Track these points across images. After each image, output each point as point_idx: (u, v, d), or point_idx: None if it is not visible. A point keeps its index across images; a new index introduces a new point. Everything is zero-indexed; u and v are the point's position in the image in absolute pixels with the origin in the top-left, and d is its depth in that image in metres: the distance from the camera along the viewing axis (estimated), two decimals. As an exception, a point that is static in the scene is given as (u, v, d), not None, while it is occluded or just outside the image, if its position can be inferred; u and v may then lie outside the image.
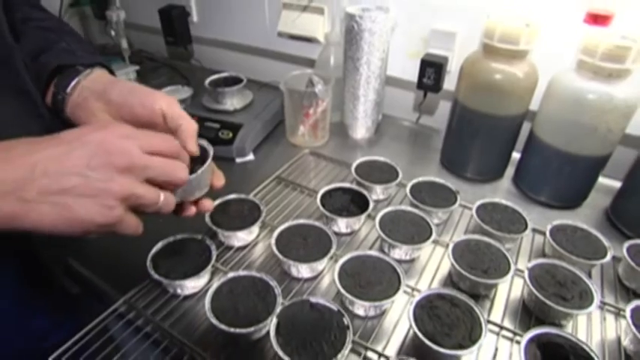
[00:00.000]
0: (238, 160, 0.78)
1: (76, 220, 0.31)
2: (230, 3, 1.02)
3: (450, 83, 0.78)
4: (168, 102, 0.41)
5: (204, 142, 0.43)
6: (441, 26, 0.76)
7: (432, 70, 0.75)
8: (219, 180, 0.44)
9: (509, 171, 0.74)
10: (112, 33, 1.05)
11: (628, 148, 0.70)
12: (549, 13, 0.68)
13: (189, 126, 0.40)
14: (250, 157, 0.79)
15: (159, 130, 0.40)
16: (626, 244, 0.55)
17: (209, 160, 0.41)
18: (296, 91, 0.76)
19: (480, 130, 0.69)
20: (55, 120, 0.44)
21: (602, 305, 0.51)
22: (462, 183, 0.73)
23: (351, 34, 0.74)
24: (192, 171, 0.39)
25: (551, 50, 0.66)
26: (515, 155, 0.72)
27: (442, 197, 0.63)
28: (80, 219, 0.31)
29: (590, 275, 0.55)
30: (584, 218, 0.65)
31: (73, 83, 0.44)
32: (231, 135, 0.77)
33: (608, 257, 0.53)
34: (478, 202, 0.61)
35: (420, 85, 0.77)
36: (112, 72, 0.48)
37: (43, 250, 0.44)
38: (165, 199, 0.35)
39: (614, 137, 0.61)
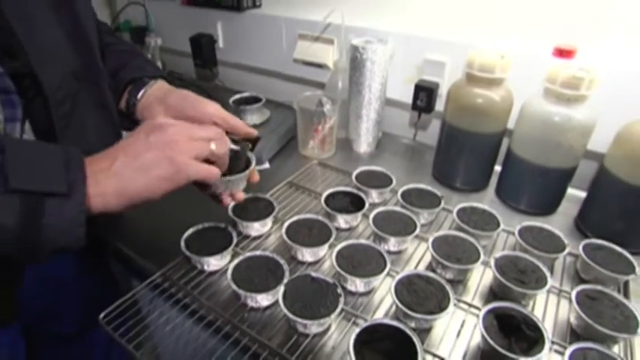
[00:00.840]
0: (256, 167, 0.89)
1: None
2: (252, 32, 1.16)
3: (440, 105, 0.89)
4: (215, 107, 0.55)
5: (250, 154, 0.58)
6: (432, 57, 0.88)
7: (424, 93, 0.86)
8: (255, 177, 0.58)
9: (494, 181, 0.84)
10: (149, 56, 1.19)
11: (593, 162, 0.79)
12: (525, 47, 0.80)
13: (239, 122, 0.55)
14: (266, 165, 0.91)
15: None
16: (583, 243, 0.64)
17: (253, 164, 0.56)
18: (307, 110, 0.88)
19: (465, 146, 0.79)
20: (124, 122, 0.58)
21: (558, 291, 0.60)
22: (451, 192, 0.83)
23: (356, 62, 0.86)
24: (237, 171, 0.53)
25: (526, 78, 0.76)
26: (497, 168, 0.82)
27: (428, 201, 0.73)
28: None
29: (552, 269, 0.64)
30: (556, 224, 0.74)
31: (142, 92, 0.58)
32: (250, 146, 0.89)
33: (565, 252, 0.63)
34: (459, 206, 0.71)
35: (415, 106, 0.89)
36: (170, 83, 0.62)
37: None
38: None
39: (577, 152, 0.71)
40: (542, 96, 0.71)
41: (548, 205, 0.78)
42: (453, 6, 0.86)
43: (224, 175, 0.51)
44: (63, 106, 0.48)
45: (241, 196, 0.56)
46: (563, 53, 0.73)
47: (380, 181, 0.78)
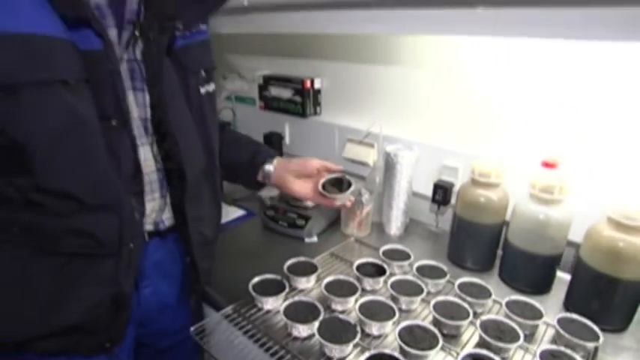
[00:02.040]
0: (307, 240, 1.15)
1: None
2: (312, 134, 1.48)
3: (455, 199, 1.11)
4: (315, 160, 0.92)
5: (349, 178, 0.93)
6: (448, 163, 1.12)
7: (441, 190, 1.10)
8: (352, 198, 0.96)
9: (498, 263, 1.02)
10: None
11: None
12: (520, 158, 1.02)
13: (332, 164, 0.91)
14: (315, 239, 1.16)
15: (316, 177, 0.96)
16: (558, 316, 0.81)
17: (353, 185, 0.91)
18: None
19: (471, 234, 1.00)
20: (256, 186, 1.02)
21: (527, 349, 0.77)
22: (462, 271, 1.02)
23: (389, 164, 1.13)
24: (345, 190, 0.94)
25: (519, 182, 0.97)
26: (500, 252, 1.01)
27: (437, 275, 0.93)
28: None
29: (533, 335, 0.81)
30: (548, 302, 0.89)
31: (272, 168, 0.94)
32: (303, 222, 1.15)
33: (541, 320, 0.80)
34: (459, 280, 0.91)
35: (434, 200, 1.12)
36: (281, 155, 1.00)
37: (200, 261, 0.83)
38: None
39: (559, 243, 0.89)
40: (528, 197, 0.92)
41: (540, 286, 0.94)
42: (465, 125, 1.12)
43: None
44: (193, 190, 0.76)
45: (349, 204, 0.98)
46: (548, 164, 0.94)
47: (401, 256, 1.00)
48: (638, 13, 0.59)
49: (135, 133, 0.69)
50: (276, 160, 0.97)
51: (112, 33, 0.65)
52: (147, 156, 0.72)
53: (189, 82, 0.76)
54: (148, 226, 0.75)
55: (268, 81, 1.54)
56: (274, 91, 1.53)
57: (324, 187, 0.93)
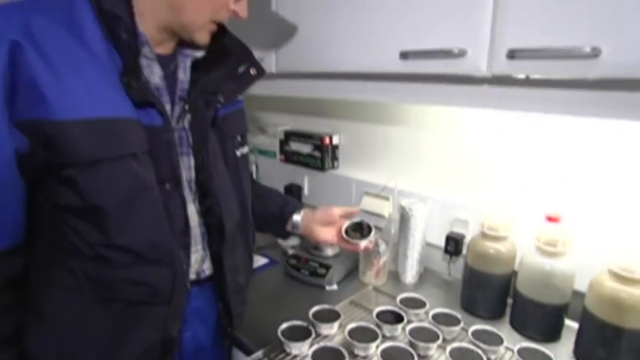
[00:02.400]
0: (327, 288, 1.22)
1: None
2: (330, 186, 1.58)
3: (465, 250, 1.19)
4: (337, 208, 1.01)
5: (369, 223, 1.02)
6: (459, 216, 1.21)
7: (453, 242, 1.18)
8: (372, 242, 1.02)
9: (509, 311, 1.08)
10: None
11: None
12: (526, 213, 1.10)
13: (352, 209, 1.01)
14: (335, 287, 1.23)
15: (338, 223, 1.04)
16: (565, 363, 0.87)
17: (373, 230, 1.00)
18: (366, 252, 1.22)
19: (482, 283, 1.07)
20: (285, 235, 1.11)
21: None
22: (475, 319, 1.08)
23: (404, 216, 1.22)
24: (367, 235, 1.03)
25: (526, 234, 1.05)
26: (510, 301, 1.07)
27: (451, 322, 1.00)
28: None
29: (544, 381, 0.86)
30: (559, 351, 0.95)
31: (300, 218, 1.03)
32: (324, 271, 1.23)
33: (551, 368, 0.86)
34: (473, 327, 0.97)
35: (446, 250, 1.20)
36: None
37: (234, 306, 0.91)
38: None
39: (565, 292, 0.96)
40: (535, 249, 0.99)
41: (550, 334, 1.00)
42: (474, 181, 1.21)
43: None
44: (230, 242, 0.86)
45: (371, 246, 1.05)
46: (551, 219, 1.03)
47: (417, 304, 1.07)
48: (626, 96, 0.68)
49: (184, 193, 0.79)
50: (303, 211, 1.07)
51: (167, 109, 0.77)
52: (192, 213, 0.82)
53: (227, 147, 0.88)
54: (192, 276, 0.84)
55: (289, 136, 1.67)
56: (295, 145, 1.65)
57: (346, 232, 1.03)
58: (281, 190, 1.69)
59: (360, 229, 1.05)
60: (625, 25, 0.62)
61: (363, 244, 1.02)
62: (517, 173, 1.14)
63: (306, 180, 1.68)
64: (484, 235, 1.06)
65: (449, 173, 1.27)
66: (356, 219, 1.05)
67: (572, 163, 1.05)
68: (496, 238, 1.04)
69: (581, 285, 0.95)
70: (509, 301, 1.08)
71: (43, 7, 0.64)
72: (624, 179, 0.98)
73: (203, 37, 0.78)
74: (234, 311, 0.91)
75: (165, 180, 0.75)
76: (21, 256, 0.70)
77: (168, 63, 0.79)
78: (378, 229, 1.38)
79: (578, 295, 0.99)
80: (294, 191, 1.69)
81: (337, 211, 1.05)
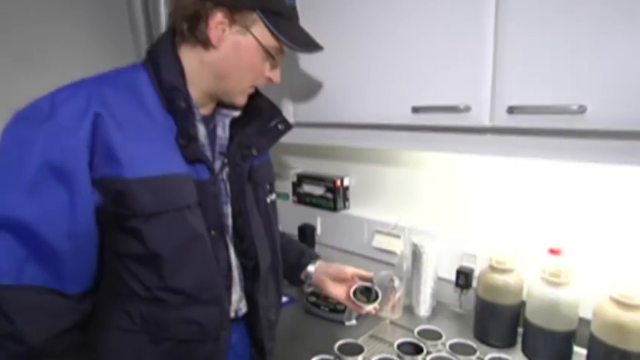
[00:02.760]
0: (347, 323, 1.29)
1: None
2: (342, 226, 1.67)
3: (475, 283, 1.27)
4: (350, 268, 1.05)
5: (377, 289, 1.06)
6: (468, 250, 1.30)
7: (463, 276, 1.27)
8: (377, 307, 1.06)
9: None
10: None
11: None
12: (530, 246, 1.20)
13: (364, 272, 1.04)
14: (354, 322, 1.30)
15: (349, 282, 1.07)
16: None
17: (380, 295, 1.04)
18: (382, 285, 1.30)
19: (493, 313, 1.15)
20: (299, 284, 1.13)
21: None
22: (488, 348, 1.15)
23: (416, 253, 1.30)
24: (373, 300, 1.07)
25: (532, 266, 1.14)
26: (520, 329, 1.15)
27: (468, 351, 1.07)
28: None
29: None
30: None
31: (313, 269, 1.09)
32: (343, 307, 1.31)
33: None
34: (488, 356, 1.04)
35: (457, 284, 1.28)
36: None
37: (267, 342, 0.98)
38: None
39: (571, 319, 1.04)
40: (540, 280, 1.08)
41: (561, 359, 1.07)
42: (480, 218, 1.31)
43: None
44: (263, 282, 0.94)
45: (375, 312, 1.08)
46: (554, 251, 1.11)
47: (434, 335, 1.14)
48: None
49: (227, 239, 0.88)
50: (318, 263, 1.12)
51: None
52: (233, 256, 0.91)
53: (259, 195, 0.98)
54: (232, 314, 0.91)
55: (302, 179, 1.77)
56: (307, 187, 1.75)
57: (354, 293, 1.08)
58: (295, 230, 1.78)
59: (368, 293, 1.09)
60: (606, 88, 0.74)
61: (368, 308, 1.05)
62: (520, 210, 1.24)
63: (319, 220, 1.77)
64: (492, 268, 1.15)
65: (454, 211, 1.37)
66: (367, 283, 1.07)
67: (570, 198, 1.15)
68: (504, 271, 1.13)
69: (586, 312, 1.03)
70: (520, 329, 1.15)
71: (114, 81, 0.76)
72: (619, 213, 1.08)
73: (242, 100, 0.90)
74: (266, 346, 0.98)
75: (212, 227, 0.84)
76: (91, 301, 0.78)
77: (208, 122, 0.90)
78: (390, 265, 1.47)
79: (585, 322, 1.07)
80: (307, 232, 1.77)
81: (350, 270, 1.08)
